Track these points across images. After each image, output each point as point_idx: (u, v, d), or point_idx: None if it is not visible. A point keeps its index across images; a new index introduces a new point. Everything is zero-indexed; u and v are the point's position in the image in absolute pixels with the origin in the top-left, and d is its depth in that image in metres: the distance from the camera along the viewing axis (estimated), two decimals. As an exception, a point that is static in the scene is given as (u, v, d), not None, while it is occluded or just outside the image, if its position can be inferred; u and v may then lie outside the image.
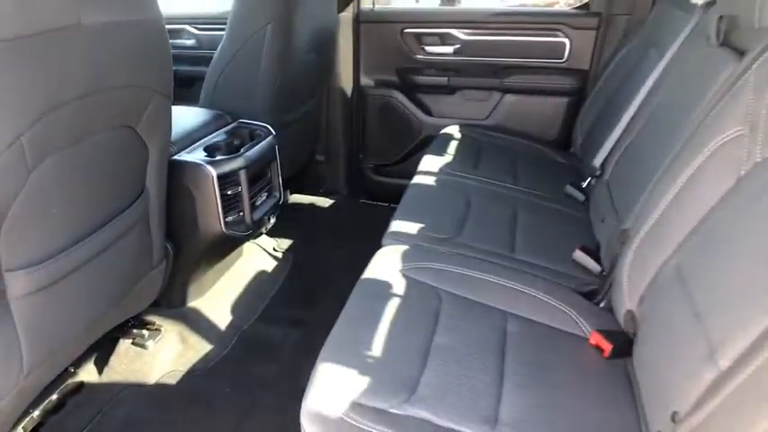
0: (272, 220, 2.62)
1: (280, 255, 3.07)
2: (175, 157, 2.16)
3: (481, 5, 4.38)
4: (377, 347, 1.42)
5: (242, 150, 2.34)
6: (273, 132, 2.57)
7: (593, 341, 1.56)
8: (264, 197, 2.55)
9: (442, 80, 3.47)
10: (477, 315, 1.61)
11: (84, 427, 1.97)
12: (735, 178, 1.32)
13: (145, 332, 2.32)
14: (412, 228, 2.07)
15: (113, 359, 2.23)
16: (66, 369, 2.06)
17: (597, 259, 1.95)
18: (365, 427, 1.21)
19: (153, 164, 1.86)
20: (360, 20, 3.45)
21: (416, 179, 2.52)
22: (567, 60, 3.25)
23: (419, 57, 3.46)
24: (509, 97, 3.41)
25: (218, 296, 2.63)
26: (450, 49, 3.41)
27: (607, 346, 1.52)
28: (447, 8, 4.38)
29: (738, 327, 1.03)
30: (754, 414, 0.89)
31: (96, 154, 1.56)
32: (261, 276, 2.86)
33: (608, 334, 1.55)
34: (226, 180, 2.21)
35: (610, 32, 3.13)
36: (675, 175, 1.51)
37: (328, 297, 2.65)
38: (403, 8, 3.88)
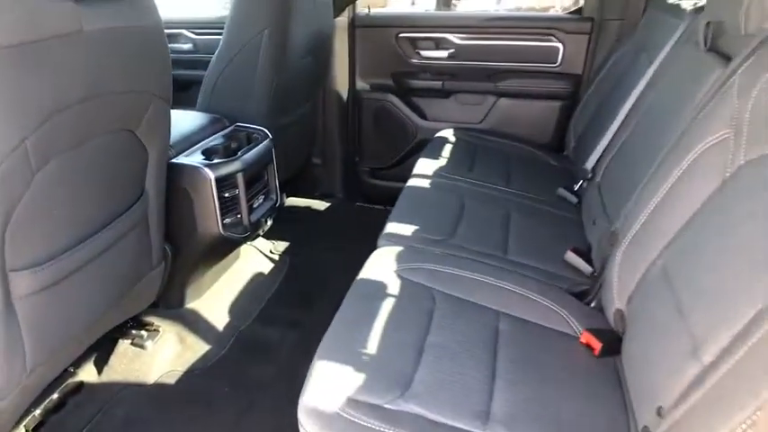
0: (269, 223, 2.63)
1: (276, 257, 3.09)
2: (174, 160, 2.18)
3: (476, 10, 4.41)
4: (372, 345, 1.45)
5: (239, 153, 2.36)
6: (270, 136, 2.59)
7: (583, 340, 1.58)
8: (261, 200, 2.57)
9: (437, 84, 3.50)
10: (470, 314, 1.64)
11: (84, 426, 1.99)
12: (720, 180, 1.35)
13: (144, 333, 2.34)
14: (407, 229, 2.10)
15: (113, 359, 2.25)
16: (67, 369, 2.08)
17: (588, 260, 1.98)
18: (360, 422, 1.24)
19: (152, 167, 1.89)
20: (355, 24, 3.48)
21: (411, 182, 2.54)
22: (560, 65, 3.29)
23: (414, 61, 3.49)
24: (503, 101, 3.44)
25: (216, 297, 2.65)
26: (444, 54, 3.44)
27: (597, 345, 1.55)
28: (442, 13, 4.41)
29: (720, 323, 1.07)
30: (733, 406, 0.93)
31: (97, 157, 1.59)
32: (258, 278, 2.88)
33: (598, 332, 1.58)
34: (223, 183, 2.23)
35: (602, 37, 3.17)
36: (663, 177, 1.55)
37: (324, 298, 2.66)
38: (398, 13, 3.91)
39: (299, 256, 3.13)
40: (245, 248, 2.99)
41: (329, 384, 1.32)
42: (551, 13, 4.59)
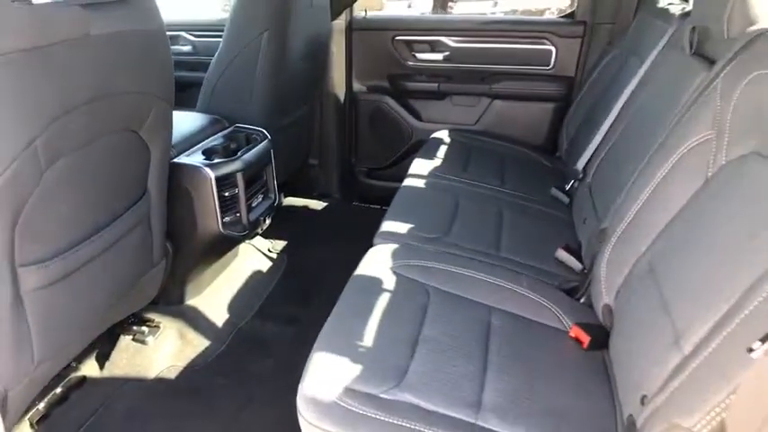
0: (268, 221, 2.67)
1: (274, 255, 3.13)
2: (175, 159, 2.22)
3: (471, 13, 4.45)
4: (368, 338, 1.50)
5: (239, 154, 2.40)
6: (269, 136, 2.63)
7: (572, 334, 1.63)
8: (260, 199, 2.61)
9: (433, 86, 3.54)
10: (463, 309, 1.69)
11: (87, 419, 2.02)
12: (703, 179, 1.41)
13: (145, 329, 2.38)
14: (402, 227, 2.14)
15: (114, 354, 2.29)
16: (70, 364, 2.12)
17: (579, 258, 2.03)
18: (357, 411, 1.28)
19: (154, 166, 1.93)
20: (352, 27, 3.51)
21: (407, 182, 2.58)
22: (553, 67, 3.33)
23: (410, 63, 3.53)
24: (497, 103, 3.48)
25: (216, 294, 2.69)
26: (440, 56, 3.48)
27: (585, 338, 1.60)
28: (437, 16, 4.46)
29: (699, 315, 1.12)
30: (708, 391, 0.98)
31: (103, 156, 1.64)
32: (256, 276, 2.91)
33: (587, 327, 1.63)
34: (223, 182, 2.28)
35: (594, 41, 3.21)
36: (649, 176, 1.60)
37: (321, 295, 2.68)
38: (394, 16, 3.94)
39: (296, 254, 3.16)
40: (244, 247, 3.02)
41: (327, 375, 1.37)
42: (546, 16, 4.65)
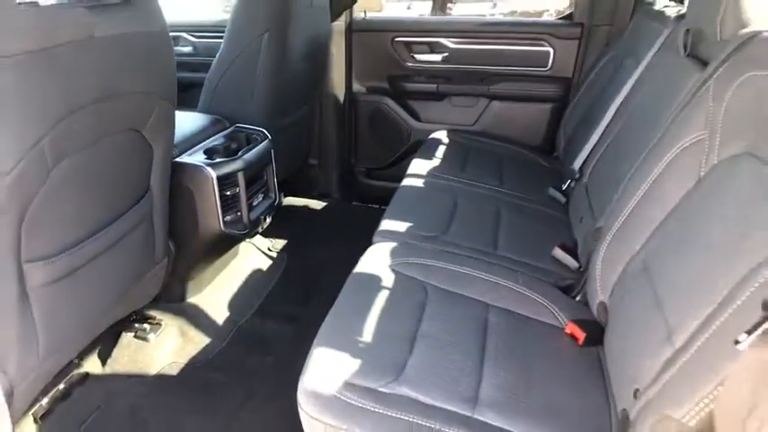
0: (268, 221, 2.69)
1: (274, 254, 3.15)
2: (177, 159, 2.24)
3: (470, 15, 4.47)
4: (367, 334, 1.52)
5: (240, 153, 2.43)
6: (269, 136, 2.65)
7: (568, 330, 1.66)
8: (261, 198, 2.63)
9: (431, 87, 3.56)
10: (461, 306, 1.71)
11: (89, 415, 2.04)
12: (695, 179, 1.43)
13: (146, 326, 2.40)
14: (401, 226, 2.16)
15: (116, 351, 2.31)
16: (72, 360, 2.13)
17: (575, 256, 2.06)
18: (356, 404, 1.31)
19: (157, 165, 1.96)
20: (352, 29, 3.53)
21: (406, 181, 2.61)
22: (550, 69, 3.35)
23: (409, 64, 3.55)
24: (495, 104, 3.50)
25: (216, 293, 2.71)
26: (438, 58, 3.50)
27: (581, 335, 1.62)
28: (436, 18, 4.47)
29: (691, 311, 1.15)
30: (697, 383, 1.01)
31: (107, 156, 1.67)
32: (257, 274, 2.94)
33: (582, 323, 1.65)
34: (225, 181, 2.30)
35: (592, 42, 3.23)
36: (643, 176, 1.62)
37: (320, 294, 2.72)
38: (393, 17, 3.95)
39: (296, 253, 3.18)
40: (245, 246, 3.04)
41: (327, 369, 1.39)
42: (545, 17, 4.67)
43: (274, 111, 2.86)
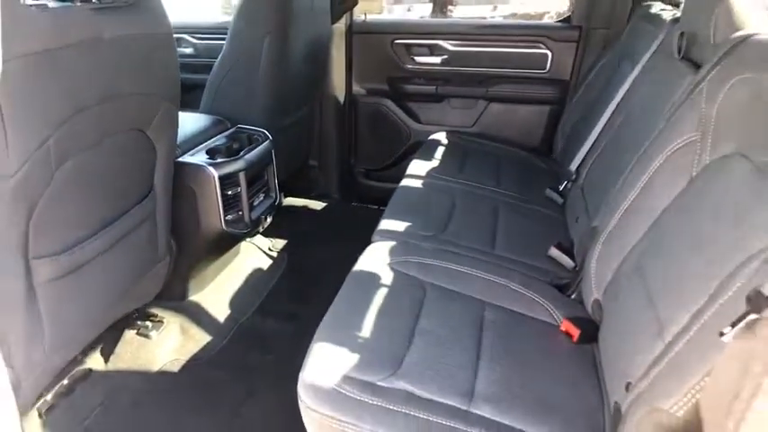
0: (269, 220, 2.72)
1: (275, 254, 3.17)
2: (180, 159, 2.27)
3: (469, 17, 4.49)
4: (366, 329, 1.55)
5: (241, 153, 2.45)
6: (270, 137, 2.68)
7: (563, 328, 1.69)
8: (262, 198, 2.66)
9: (431, 89, 3.59)
10: (458, 304, 1.74)
11: (93, 410, 2.07)
12: (688, 179, 1.46)
13: (148, 323, 2.42)
14: (400, 226, 2.19)
15: (119, 348, 2.33)
16: (76, 357, 2.15)
17: (571, 256, 2.09)
18: (355, 397, 1.34)
19: (160, 165, 1.99)
20: (352, 31, 3.55)
21: (405, 182, 2.63)
22: (549, 71, 3.38)
23: (408, 66, 3.57)
24: (494, 106, 3.53)
25: (218, 291, 2.73)
26: (438, 60, 3.52)
27: (575, 332, 1.65)
28: (435, 20, 4.49)
29: (680, 306, 1.18)
30: (686, 374, 1.03)
31: (111, 155, 1.70)
32: (257, 273, 2.96)
33: (577, 321, 1.68)
34: (226, 181, 2.33)
35: (589, 45, 3.25)
36: (637, 176, 1.65)
37: (320, 293, 2.64)
38: (393, 20, 3.97)
39: (296, 253, 3.20)
40: (246, 246, 3.07)
41: (326, 363, 1.43)
42: (545, 20, 4.69)
43: (275, 112, 2.89)
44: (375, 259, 1.91)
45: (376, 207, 3.66)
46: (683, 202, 1.44)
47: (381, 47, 3.57)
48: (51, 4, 1.34)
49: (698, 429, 0.97)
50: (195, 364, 2.35)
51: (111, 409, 2.10)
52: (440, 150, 3.06)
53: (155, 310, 2.51)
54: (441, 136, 3.26)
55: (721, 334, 0.88)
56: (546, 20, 4.99)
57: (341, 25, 3.49)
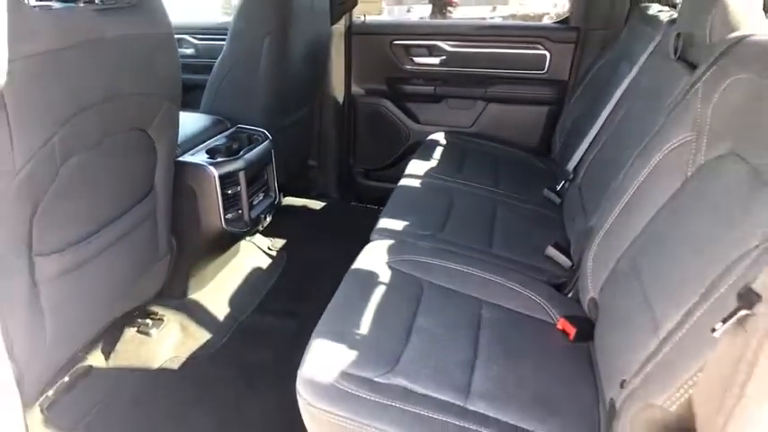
0: (268, 219, 2.73)
1: (274, 253, 3.18)
2: (180, 158, 2.29)
3: (468, 18, 4.51)
4: (364, 327, 1.57)
5: (241, 153, 2.47)
6: (270, 137, 2.69)
7: (559, 326, 1.70)
8: (261, 197, 2.68)
9: (429, 89, 3.60)
10: (455, 302, 1.76)
11: (93, 407, 2.08)
12: (683, 179, 1.47)
13: (149, 321, 2.43)
14: (398, 225, 2.20)
15: (119, 345, 2.34)
16: (77, 354, 2.17)
17: (568, 255, 2.10)
18: (353, 392, 1.36)
19: (161, 164, 2.01)
20: (351, 32, 3.57)
21: (403, 181, 2.65)
22: (547, 72, 3.39)
23: (407, 67, 3.59)
24: (492, 106, 3.54)
25: (217, 289, 2.74)
26: (436, 60, 3.54)
27: (571, 330, 1.67)
28: (434, 21, 4.51)
29: (674, 305, 1.19)
30: (679, 369, 1.05)
31: (113, 154, 1.72)
32: (257, 272, 2.97)
33: (573, 319, 1.70)
34: (226, 180, 2.34)
35: (587, 46, 3.27)
36: (633, 176, 1.66)
37: (319, 291, 2.63)
38: (392, 21, 3.99)
39: (295, 252, 3.21)
40: (245, 245, 3.08)
41: (325, 359, 1.44)
42: (545, 21, 4.71)
43: (275, 112, 2.90)
44: (373, 258, 1.92)
45: (375, 207, 3.66)
46: (677, 201, 1.45)
47: (380, 48, 3.58)
48: (55, 6, 1.36)
49: (691, 424, 0.99)
50: (195, 361, 2.36)
51: (111, 406, 2.11)
52: (438, 150, 3.08)
53: (155, 308, 2.53)
54: (439, 136, 3.27)
55: (713, 330, 0.89)
56: (545, 21, 5.01)
57: (340, 26, 3.50)
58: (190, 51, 3.76)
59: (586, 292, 1.74)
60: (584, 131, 2.59)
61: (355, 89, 3.74)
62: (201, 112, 2.79)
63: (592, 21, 3.24)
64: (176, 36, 1.85)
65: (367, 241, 2.09)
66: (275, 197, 2.80)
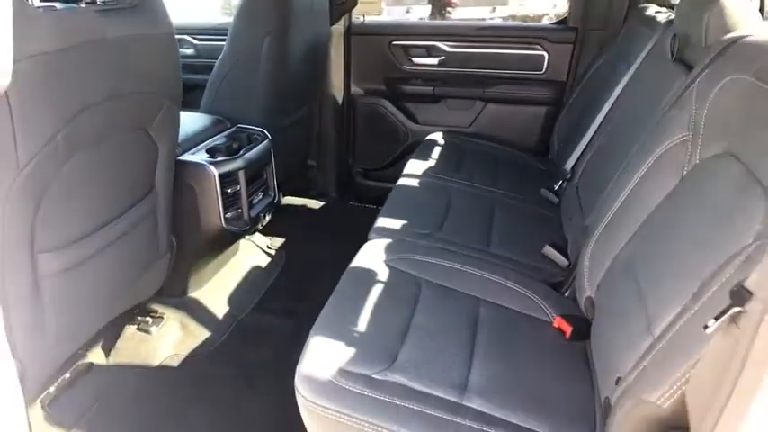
0: (268, 218, 2.75)
1: (273, 252, 3.20)
2: (181, 157, 2.30)
3: (467, 19, 4.53)
4: (362, 324, 1.58)
5: (241, 152, 2.48)
6: (269, 136, 2.71)
7: (556, 324, 1.72)
8: (261, 196, 2.69)
9: (428, 90, 3.61)
10: (453, 300, 1.77)
11: (94, 403, 2.09)
12: (678, 178, 1.49)
13: (149, 319, 2.44)
14: (396, 224, 2.22)
15: (119, 343, 2.36)
16: (77, 351, 2.18)
17: (565, 254, 2.12)
18: (351, 389, 1.37)
19: (162, 163, 2.03)
20: (351, 32, 3.58)
21: (402, 181, 2.66)
22: (545, 72, 3.41)
23: (406, 68, 3.60)
24: (491, 106, 3.55)
25: (217, 288, 2.76)
26: (435, 61, 3.56)
27: (568, 329, 1.68)
28: (433, 22, 4.52)
29: (668, 303, 1.21)
30: (672, 366, 1.06)
31: (115, 153, 1.74)
32: (256, 271, 2.99)
33: (569, 318, 1.71)
34: (226, 179, 2.36)
35: (585, 47, 3.28)
36: (630, 176, 1.68)
37: (318, 290, 2.64)
38: (391, 21, 4.00)
39: (294, 251, 3.22)
40: (245, 244, 3.10)
41: (323, 356, 1.45)
42: (544, 22, 4.73)
43: (274, 112, 2.91)
44: (371, 256, 1.93)
45: (374, 206, 3.66)
46: (673, 200, 1.47)
47: (379, 48, 3.60)
48: (58, 7, 1.38)
49: (684, 420, 1.01)
50: (194, 359, 2.37)
51: (111, 403, 2.13)
52: (437, 150, 3.09)
53: (155, 306, 2.54)
54: (438, 136, 3.28)
55: (706, 327, 0.91)
56: (545, 21, 5.02)
57: (339, 27, 3.52)
58: (190, 51, 3.77)
59: (583, 290, 1.75)
60: (581, 131, 2.60)
61: (354, 89, 3.75)
62: (201, 112, 2.80)
63: (590, 21, 3.25)
64: (177, 37, 1.86)
65: (365, 240, 2.10)
66: (275, 196, 2.81)
